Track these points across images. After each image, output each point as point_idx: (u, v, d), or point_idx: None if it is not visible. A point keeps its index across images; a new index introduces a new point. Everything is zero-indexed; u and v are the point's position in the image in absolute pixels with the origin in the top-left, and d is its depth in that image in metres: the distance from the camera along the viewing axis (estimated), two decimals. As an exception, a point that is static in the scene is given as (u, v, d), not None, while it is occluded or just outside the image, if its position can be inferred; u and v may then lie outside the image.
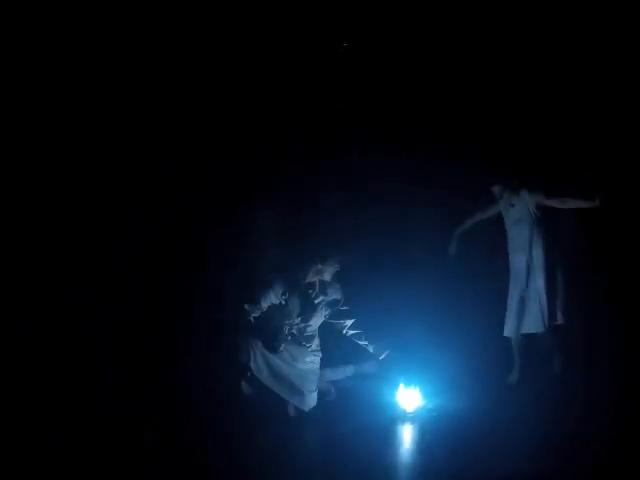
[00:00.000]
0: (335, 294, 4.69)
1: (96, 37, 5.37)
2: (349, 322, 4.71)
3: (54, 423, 4.15)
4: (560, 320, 4.97)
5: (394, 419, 4.42)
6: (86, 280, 5.08)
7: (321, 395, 4.63)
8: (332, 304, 4.69)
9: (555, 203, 4.89)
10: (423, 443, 4.18)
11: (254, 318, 4.51)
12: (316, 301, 4.65)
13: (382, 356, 4.67)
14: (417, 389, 4.50)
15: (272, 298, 4.56)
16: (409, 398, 4.48)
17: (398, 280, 5.61)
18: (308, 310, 4.62)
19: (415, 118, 5.78)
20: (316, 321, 4.65)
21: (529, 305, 4.94)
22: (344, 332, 4.73)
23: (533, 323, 4.95)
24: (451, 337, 5.20)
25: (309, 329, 4.64)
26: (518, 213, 4.95)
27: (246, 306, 4.51)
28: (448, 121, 5.75)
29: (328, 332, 4.74)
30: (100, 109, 5.40)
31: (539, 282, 4.93)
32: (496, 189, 4.99)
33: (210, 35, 5.55)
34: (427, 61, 5.77)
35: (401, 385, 4.51)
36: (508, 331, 4.99)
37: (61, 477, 3.65)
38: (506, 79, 5.67)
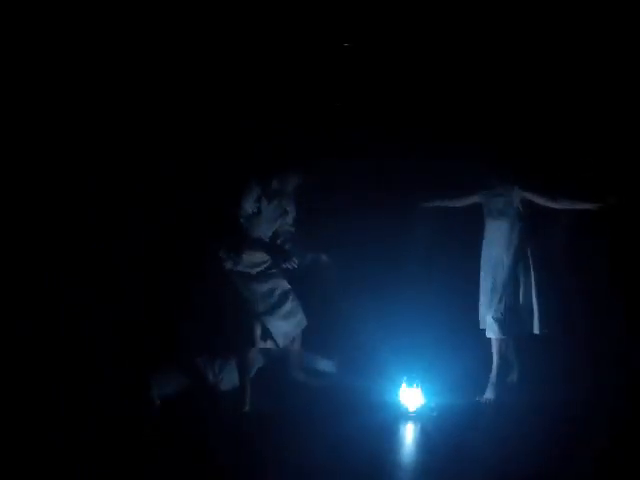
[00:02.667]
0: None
1: (95, 36, 5.37)
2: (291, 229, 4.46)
3: (54, 423, 4.15)
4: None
5: (396, 418, 4.43)
6: (86, 280, 5.07)
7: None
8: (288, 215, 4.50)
9: (548, 201, 4.68)
10: (425, 442, 4.19)
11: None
12: (287, 208, 4.44)
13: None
14: (419, 388, 4.51)
15: (250, 205, 4.26)
16: (411, 397, 4.49)
17: (399, 278, 5.61)
18: (274, 220, 4.39)
19: (415, 118, 5.78)
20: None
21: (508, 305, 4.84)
22: (282, 244, 4.47)
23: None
24: (453, 336, 5.19)
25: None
26: (501, 204, 4.80)
27: (241, 220, 4.22)
28: (448, 121, 5.75)
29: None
30: (100, 109, 5.40)
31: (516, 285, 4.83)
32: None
33: (210, 34, 5.55)
34: (427, 61, 5.77)
35: (403, 384, 4.52)
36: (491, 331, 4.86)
37: (61, 477, 3.65)
38: (506, 78, 5.67)
